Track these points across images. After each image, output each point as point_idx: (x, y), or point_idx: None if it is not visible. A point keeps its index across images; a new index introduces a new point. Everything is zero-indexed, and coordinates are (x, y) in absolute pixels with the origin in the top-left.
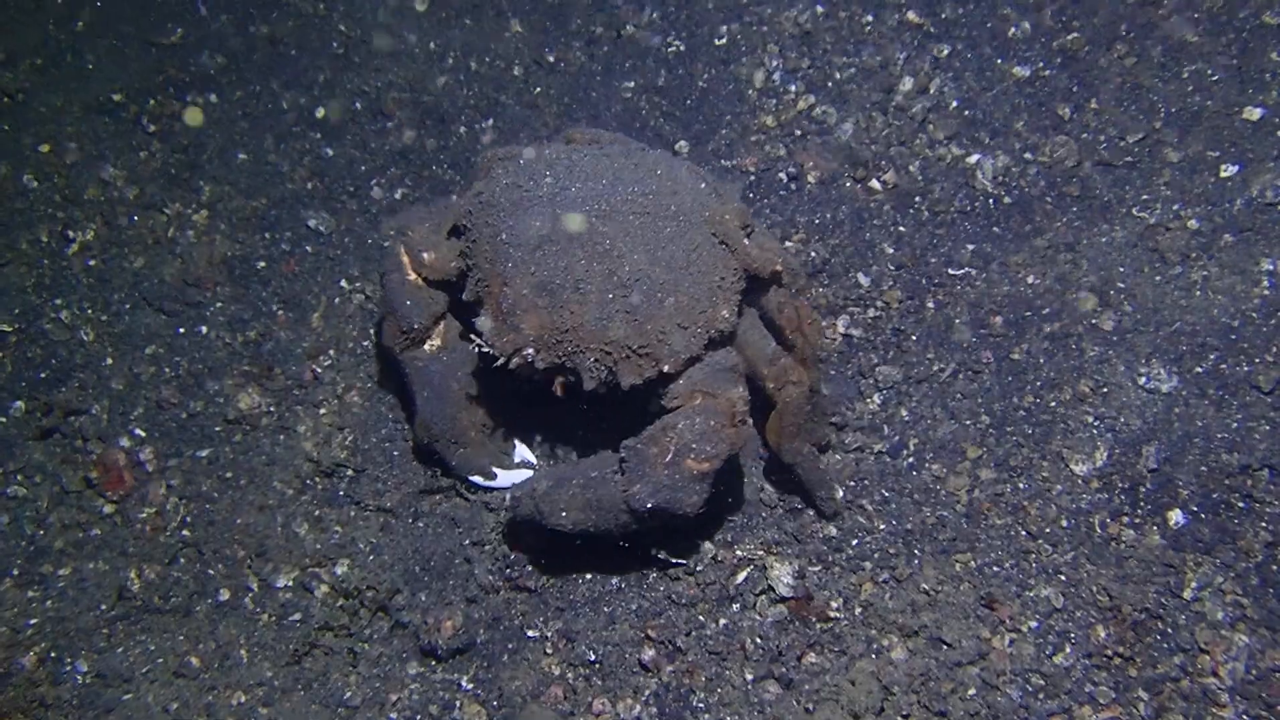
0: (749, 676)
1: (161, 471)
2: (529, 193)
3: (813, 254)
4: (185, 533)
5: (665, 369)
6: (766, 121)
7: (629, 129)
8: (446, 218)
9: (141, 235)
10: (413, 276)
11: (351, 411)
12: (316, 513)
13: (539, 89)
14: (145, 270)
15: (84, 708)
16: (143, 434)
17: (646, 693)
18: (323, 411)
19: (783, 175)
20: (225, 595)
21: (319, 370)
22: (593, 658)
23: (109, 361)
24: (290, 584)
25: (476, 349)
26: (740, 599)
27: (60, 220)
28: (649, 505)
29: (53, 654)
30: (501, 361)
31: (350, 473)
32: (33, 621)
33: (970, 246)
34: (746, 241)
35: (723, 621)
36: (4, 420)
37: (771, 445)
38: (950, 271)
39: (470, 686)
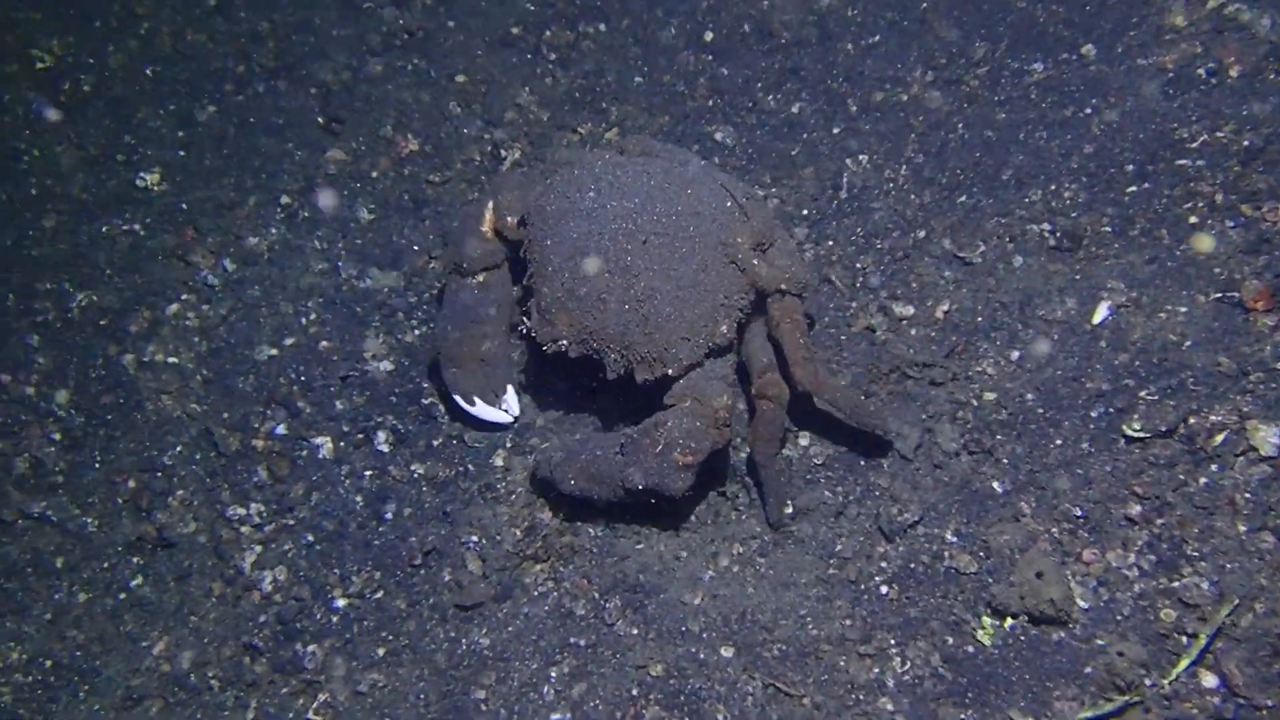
0: (1242, 528)
1: None
2: (573, 204)
3: (1246, 143)
4: None
5: (670, 372)
6: (1176, 21)
7: (1024, 35)
8: (534, 192)
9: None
10: (486, 228)
11: None
12: None
13: (925, 4)
14: None
15: (603, 555)
16: None
17: (1139, 543)
18: None
19: (1201, 71)
20: None
21: None
22: (1079, 513)
23: None
24: (743, 454)
25: (524, 331)
26: (1219, 459)
27: (488, 140)
28: (640, 486)
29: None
30: (544, 347)
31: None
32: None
33: None
34: (756, 261)
35: (1203, 480)
36: None
37: (748, 444)
38: None
39: (956, 540)
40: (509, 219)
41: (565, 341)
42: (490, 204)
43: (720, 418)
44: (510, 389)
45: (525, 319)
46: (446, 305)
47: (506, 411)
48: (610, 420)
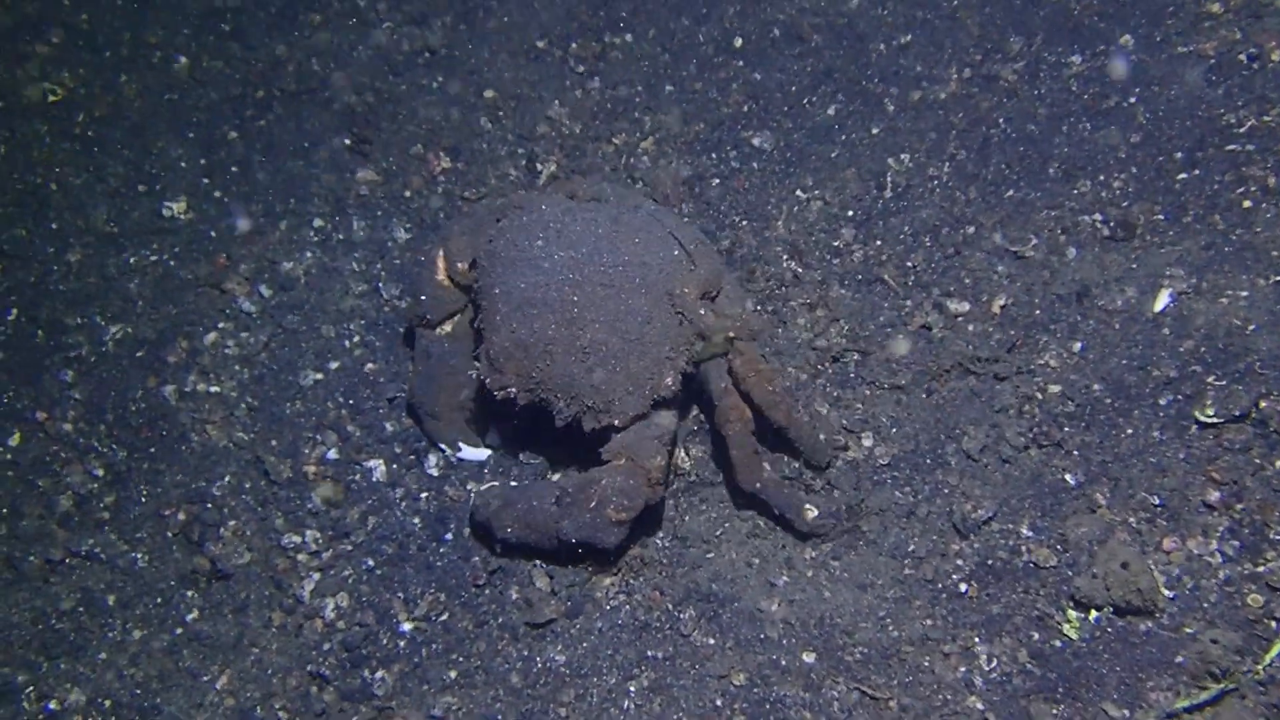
0: None
1: None
2: (522, 253)
3: None
4: (705, 422)
5: (615, 423)
6: (1213, 9)
7: (1060, 28)
8: (485, 236)
9: (598, 161)
10: (441, 276)
11: (842, 304)
12: (835, 393)
13: (956, 1)
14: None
15: (673, 565)
16: None
17: (1219, 529)
18: (812, 305)
19: (1243, 57)
20: (766, 468)
21: (799, 271)
22: (1156, 501)
23: None
24: None
25: (475, 375)
26: None
27: (522, 155)
28: (574, 539)
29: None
30: (494, 393)
31: (856, 356)
32: None
33: None
34: (703, 312)
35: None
36: None
37: (734, 477)
38: None
39: (1032, 534)
40: (459, 265)
41: (514, 389)
42: (440, 252)
43: (654, 478)
44: (493, 427)
45: (476, 363)
46: (419, 360)
47: (489, 446)
48: (561, 459)
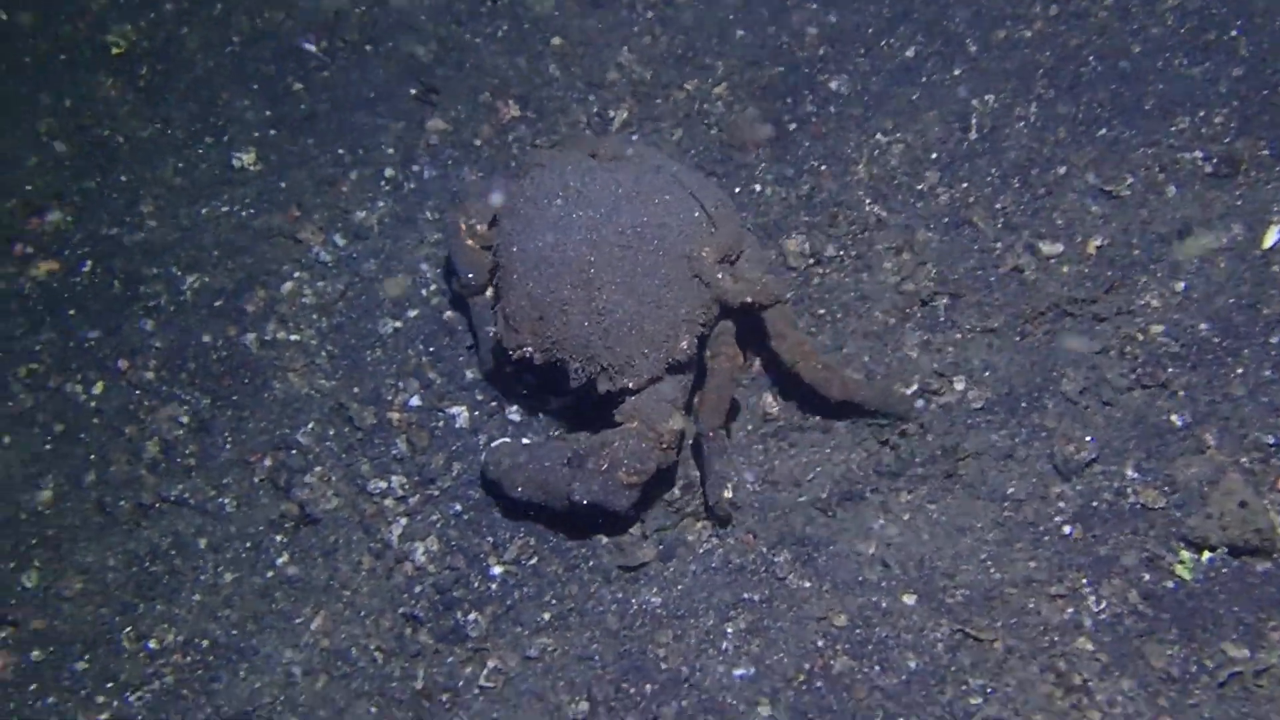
0: None
1: None
2: (541, 211)
3: None
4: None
5: (629, 385)
6: None
7: None
8: (500, 196)
9: (672, 110)
10: (469, 241)
11: (929, 247)
12: (925, 337)
13: None
14: (686, 140)
15: (765, 509)
16: None
17: None
18: (898, 249)
19: None
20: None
21: (882, 214)
22: (1270, 441)
23: None
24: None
25: (492, 335)
26: None
27: (593, 103)
28: (584, 501)
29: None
30: (510, 353)
31: (945, 300)
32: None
33: None
34: (720, 276)
35: None
36: None
37: (696, 414)
38: None
39: (1137, 475)
40: (479, 227)
41: (530, 349)
42: (460, 218)
43: (666, 441)
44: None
45: (493, 323)
46: (477, 325)
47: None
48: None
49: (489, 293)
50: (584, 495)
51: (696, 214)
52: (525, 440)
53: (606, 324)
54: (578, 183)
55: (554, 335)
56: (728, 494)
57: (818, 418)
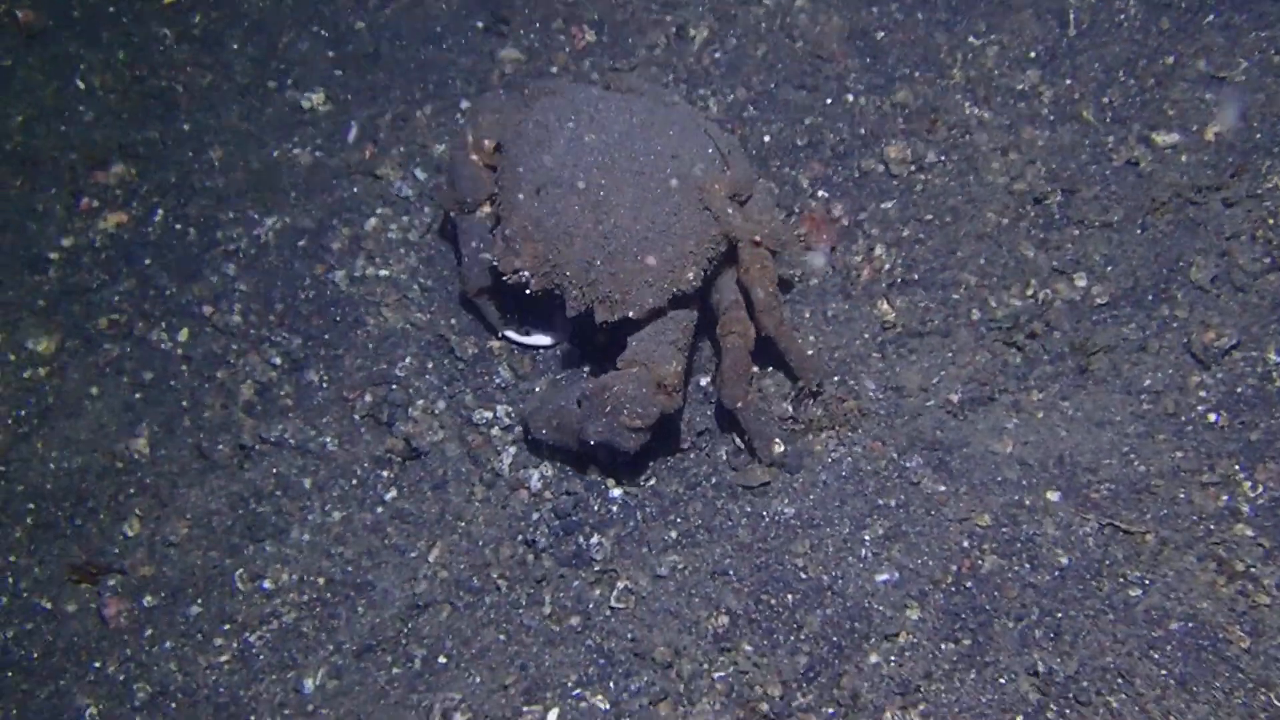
0: None
1: (858, 224)
2: (550, 134)
3: None
4: (899, 275)
5: (630, 315)
6: None
7: None
8: (514, 115)
9: (752, 23)
10: (475, 157)
11: (1037, 144)
12: (1041, 235)
13: None
14: (769, 55)
15: (891, 416)
16: (825, 195)
17: None
18: (1004, 149)
19: None
20: (975, 314)
21: (984, 116)
22: None
23: (769, 135)
24: (1021, 301)
25: (489, 258)
26: None
27: (670, 23)
28: (594, 441)
29: (846, 378)
30: (505, 277)
31: (1059, 196)
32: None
33: None
34: (730, 211)
35: None
36: None
37: (717, 389)
38: None
39: None
40: (485, 143)
41: (526, 272)
42: (469, 130)
43: (669, 384)
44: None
45: (489, 247)
46: (463, 245)
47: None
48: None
49: (480, 213)
50: (594, 436)
51: (710, 150)
52: (558, 378)
53: (612, 248)
54: (591, 108)
55: (555, 258)
56: (778, 448)
57: (936, 321)
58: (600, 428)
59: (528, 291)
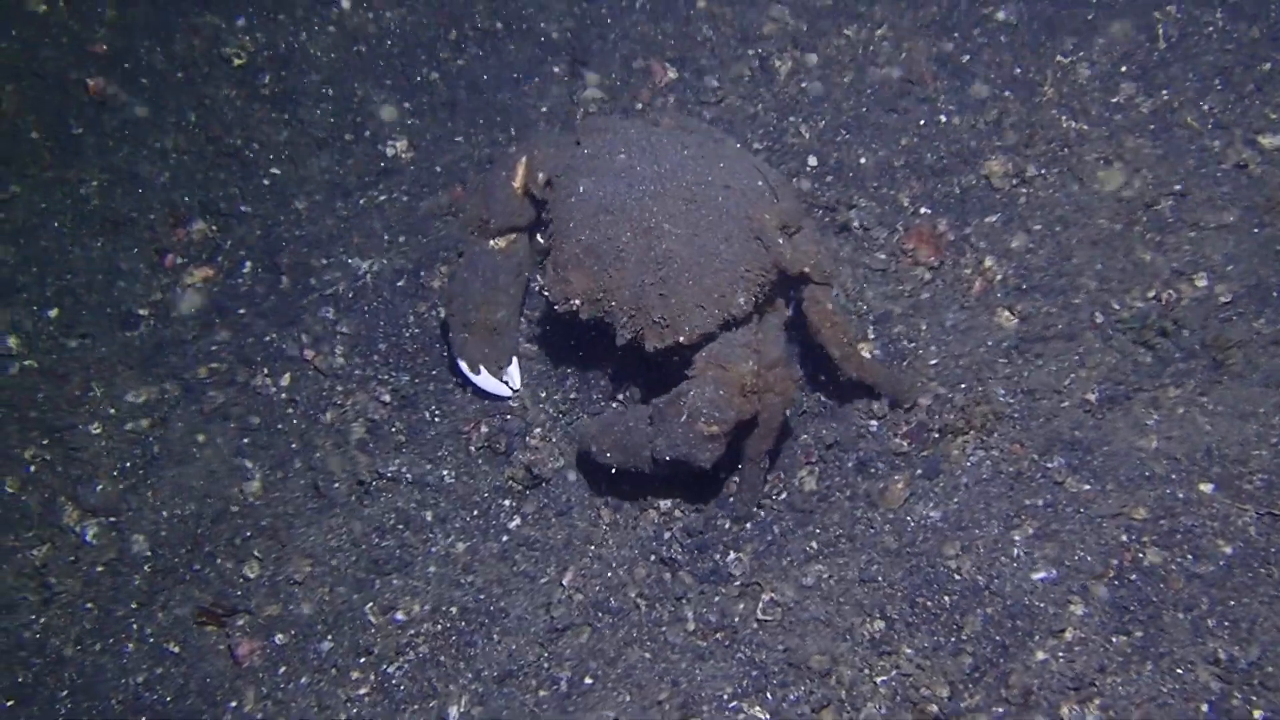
0: None
1: (964, 238)
2: (602, 164)
3: None
4: (1013, 283)
5: (681, 340)
6: None
7: None
8: (567, 150)
9: (834, 54)
10: (517, 184)
11: (1141, 153)
12: (1157, 239)
13: None
14: (857, 81)
15: (1026, 418)
16: (928, 211)
17: None
18: (1107, 159)
19: None
20: (1099, 318)
21: (1083, 129)
22: None
23: (865, 157)
24: (1144, 303)
25: (539, 289)
26: None
27: (754, 56)
28: (667, 457)
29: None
30: (556, 306)
31: (1170, 201)
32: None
33: None
34: (781, 241)
35: None
36: None
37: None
38: None
39: None
40: (540, 175)
41: (577, 301)
42: (524, 158)
43: (746, 384)
44: (515, 361)
45: (540, 276)
46: (464, 268)
47: (508, 384)
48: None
49: (493, 244)
50: (666, 451)
51: (760, 182)
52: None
53: (664, 273)
54: (643, 141)
55: (606, 284)
56: (753, 509)
57: (1059, 326)
58: (675, 440)
59: (579, 319)
